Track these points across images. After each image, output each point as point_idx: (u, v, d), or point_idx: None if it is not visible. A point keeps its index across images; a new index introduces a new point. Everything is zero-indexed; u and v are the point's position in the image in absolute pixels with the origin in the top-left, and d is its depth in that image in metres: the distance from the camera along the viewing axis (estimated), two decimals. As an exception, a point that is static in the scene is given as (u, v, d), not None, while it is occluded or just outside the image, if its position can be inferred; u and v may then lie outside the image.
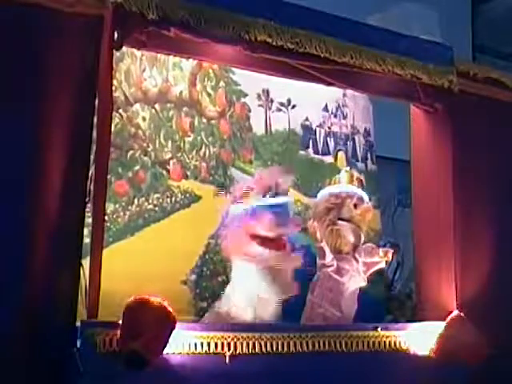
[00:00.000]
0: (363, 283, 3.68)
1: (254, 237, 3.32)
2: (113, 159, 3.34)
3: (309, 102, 4.35)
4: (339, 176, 3.96)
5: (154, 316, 2.73)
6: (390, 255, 3.67)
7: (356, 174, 4.01)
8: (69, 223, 2.77)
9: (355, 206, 3.73)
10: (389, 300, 4.34)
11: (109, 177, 3.13)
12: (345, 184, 3.90)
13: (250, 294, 3.30)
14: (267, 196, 3.41)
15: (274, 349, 3.05)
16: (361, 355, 3.24)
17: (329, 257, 3.61)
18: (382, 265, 3.74)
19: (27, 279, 2.66)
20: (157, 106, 3.80)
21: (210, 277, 3.63)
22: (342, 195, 3.75)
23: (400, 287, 4.54)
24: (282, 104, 4.28)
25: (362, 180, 3.94)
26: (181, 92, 3.88)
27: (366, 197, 3.81)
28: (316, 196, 3.90)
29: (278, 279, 3.37)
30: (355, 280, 3.64)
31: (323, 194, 3.83)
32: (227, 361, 2.91)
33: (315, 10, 3.37)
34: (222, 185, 3.85)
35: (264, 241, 3.33)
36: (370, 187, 4.45)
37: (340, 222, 3.69)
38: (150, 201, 3.74)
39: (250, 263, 3.33)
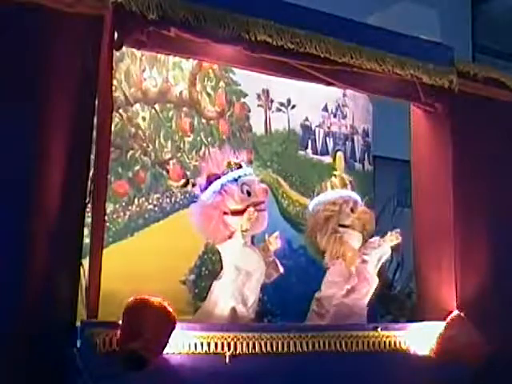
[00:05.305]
0: (374, 284, 3.64)
1: (225, 213, 3.29)
2: (113, 159, 3.34)
3: (308, 102, 4.35)
4: (331, 181, 3.85)
5: (154, 316, 2.73)
6: (399, 236, 3.64)
7: (347, 177, 3.94)
8: (69, 223, 2.77)
9: (352, 210, 3.69)
10: (389, 300, 4.34)
11: (109, 177, 3.13)
12: (338, 189, 3.81)
13: (235, 285, 3.29)
14: (230, 170, 3.36)
15: (274, 349, 3.05)
16: (361, 355, 3.24)
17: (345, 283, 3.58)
18: (389, 253, 3.69)
19: (27, 279, 2.66)
20: (157, 106, 3.80)
21: (209, 277, 3.63)
22: (338, 201, 3.70)
23: (400, 287, 4.54)
24: (281, 104, 4.28)
25: (352, 182, 3.86)
26: (181, 92, 3.89)
27: (359, 199, 3.77)
28: (313, 196, 3.89)
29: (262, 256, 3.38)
30: (365, 292, 3.62)
31: (318, 202, 3.75)
32: (227, 361, 2.91)
33: (315, 10, 3.37)
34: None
35: (235, 213, 3.29)
36: (366, 188, 4.45)
37: (341, 228, 3.66)
38: (150, 201, 3.74)
39: (233, 239, 3.31)
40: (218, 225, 3.28)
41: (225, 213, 3.29)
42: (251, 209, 3.28)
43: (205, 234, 3.42)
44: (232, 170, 3.36)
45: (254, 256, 3.35)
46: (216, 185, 3.32)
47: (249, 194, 3.33)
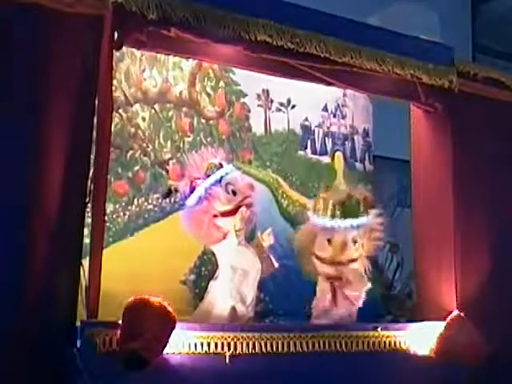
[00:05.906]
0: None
1: (215, 216, 3.30)
2: (113, 159, 3.34)
3: (308, 102, 4.35)
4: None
5: (154, 316, 2.73)
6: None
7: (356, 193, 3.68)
8: (69, 223, 2.77)
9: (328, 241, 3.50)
10: (389, 300, 4.34)
11: (108, 177, 3.13)
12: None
13: (232, 285, 3.30)
14: (212, 172, 3.35)
15: (274, 349, 3.05)
16: (361, 355, 3.24)
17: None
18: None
19: (27, 279, 2.66)
20: (156, 106, 3.81)
21: (209, 277, 3.62)
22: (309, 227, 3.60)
23: (400, 287, 4.54)
24: (281, 104, 4.28)
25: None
26: (180, 92, 3.89)
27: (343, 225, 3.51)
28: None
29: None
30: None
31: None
32: (227, 361, 2.91)
33: (315, 10, 3.37)
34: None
35: (225, 214, 3.31)
36: (368, 188, 4.43)
37: (316, 261, 3.52)
38: (150, 201, 3.74)
39: (227, 239, 3.33)
40: (209, 229, 3.30)
41: (214, 216, 3.30)
42: (243, 208, 3.30)
43: (198, 239, 3.44)
44: (213, 172, 3.35)
45: (249, 254, 3.37)
46: (200, 189, 3.31)
47: (234, 193, 3.33)
